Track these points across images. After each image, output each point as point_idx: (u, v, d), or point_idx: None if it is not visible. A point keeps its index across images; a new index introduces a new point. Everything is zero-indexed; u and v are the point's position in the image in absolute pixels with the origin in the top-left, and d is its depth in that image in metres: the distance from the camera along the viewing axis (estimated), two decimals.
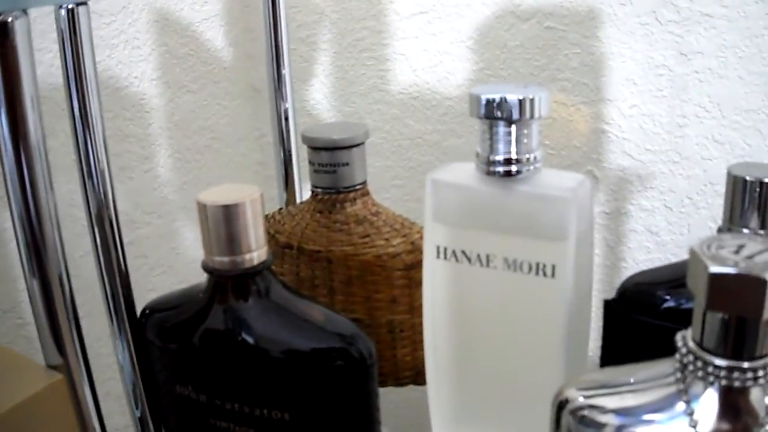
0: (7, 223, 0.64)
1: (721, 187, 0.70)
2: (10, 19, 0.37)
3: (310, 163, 0.57)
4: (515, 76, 0.74)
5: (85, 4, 0.45)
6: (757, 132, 0.68)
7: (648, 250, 0.74)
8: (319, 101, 0.83)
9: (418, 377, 0.59)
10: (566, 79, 0.72)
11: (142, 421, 0.54)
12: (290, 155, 0.67)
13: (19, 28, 0.37)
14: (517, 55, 0.73)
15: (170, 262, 0.80)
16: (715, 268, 0.33)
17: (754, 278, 0.32)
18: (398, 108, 0.80)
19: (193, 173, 0.81)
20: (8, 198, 0.40)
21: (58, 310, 0.41)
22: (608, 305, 0.53)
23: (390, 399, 0.55)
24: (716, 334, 0.36)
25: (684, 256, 0.73)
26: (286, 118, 0.67)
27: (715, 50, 0.67)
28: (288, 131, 0.67)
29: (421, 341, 0.56)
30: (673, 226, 0.73)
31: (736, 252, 0.35)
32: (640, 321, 0.51)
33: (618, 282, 0.74)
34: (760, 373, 0.35)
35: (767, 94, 0.67)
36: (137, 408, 0.53)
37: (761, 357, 0.35)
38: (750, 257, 0.34)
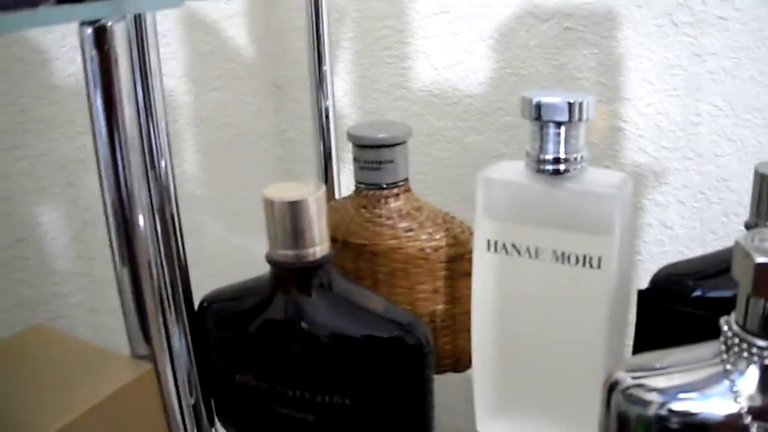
0: (43, 217, 0.66)
1: (734, 183, 0.73)
2: (109, 24, 0.39)
3: (355, 160, 0.59)
4: (535, 75, 0.77)
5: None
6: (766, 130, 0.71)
7: (662, 244, 0.77)
8: (340, 98, 0.85)
9: (457, 365, 0.62)
10: (584, 78, 0.75)
11: (195, 409, 0.56)
12: (330, 152, 0.69)
13: (118, 31, 0.39)
14: (536, 54, 0.76)
15: (195, 258, 0.82)
16: (761, 259, 0.37)
17: None
18: (419, 105, 0.82)
19: (217, 169, 0.83)
20: (101, 189, 0.42)
21: (146, 300, 0.44)
22: (642, 295, 0.55)
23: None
24: (759, 318, 0.39)
25: (696, 249, 0.76)
26: (327, 116, 0.69)
27: (728, 51, 0.70)
28: (329, 128, 0.69)
29: (461, 331, 0.59)
30: (686, 221, 0.76)
31: None
32: (672, 309, 0.53)
33: (634, 273, 0.77)
34: None
35: None
36: (191, 395, 0.55)
37: None
38: None
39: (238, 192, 0.86)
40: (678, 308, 0.53)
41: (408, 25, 0.80)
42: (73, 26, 0.39)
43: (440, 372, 0.62)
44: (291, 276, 0.49)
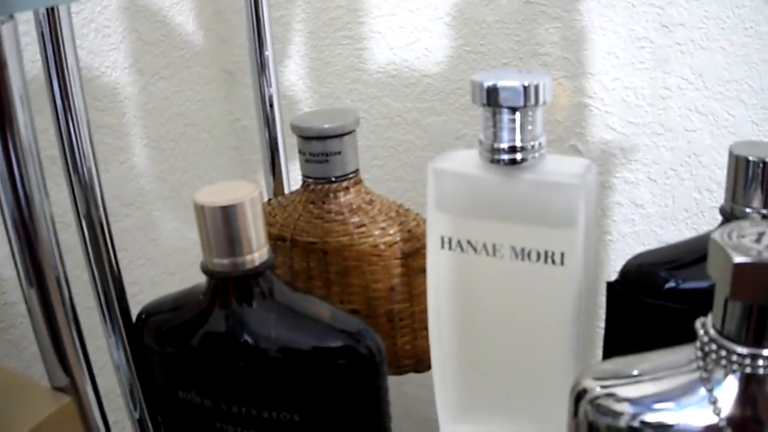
0: None
1: (706, 158, 0.69)
2: None
3: (301, 152, 0.55)
4: (495, 52, 0.72)
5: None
6: (740, 102, 0.67)
7: (633, 223, 0.73)
8: (295, 83, 0.80)
9: (418, 365, 0.58)
10: (547, 53, 0.71)
11: (141, 423, 0.52)
12: (276, 142, 0.65)
13: (5, 32, 0.35)
14: (496, 30, 0.72)
15: (150, 254, 0.77)
16: (739, 258, 0.33)
17: None
18: (376, 87, 0.78)
19: (169, 161, 0.78)
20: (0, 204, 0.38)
21: (60, 325, 0.39)
22: (611, 287, 0.52)
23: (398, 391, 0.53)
24: (737, 322, 0.35)
25: (669, 227, 0.72)
26: (271, 105, 0.64)
27: (696, 22, 0.66)
28: (273, 118, 0.64)
29: (421, 329, 0.55)
30: (657, 198, 0.72)
31: (757, 240, 0.34)
32: (644, 302, 0.50)
33: (604, 256, 0.73)
34: None
35: (749, 64, 0.66)
36: (136, 410, 0.51)
37: None
38: None
39: (192, 184, 0.82)
40: (650, 301, 0.49)
41: (362, 4, 0.75)
42: None
43: (401, 373, 0.57)
44: (229, 286, 0.45)
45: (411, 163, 0.78)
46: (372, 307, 0.55)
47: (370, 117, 0.78)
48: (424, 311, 0.53)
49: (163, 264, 0.78)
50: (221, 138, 0.84)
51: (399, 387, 0.54)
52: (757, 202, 0.47)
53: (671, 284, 0.49)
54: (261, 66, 0.63)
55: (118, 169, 0.73)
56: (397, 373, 0.57)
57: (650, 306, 0.49)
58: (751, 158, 0.46)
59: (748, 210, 0.47)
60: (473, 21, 0.72)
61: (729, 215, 0.48)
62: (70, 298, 0.41)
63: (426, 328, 0.53)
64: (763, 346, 0.34)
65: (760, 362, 0.35)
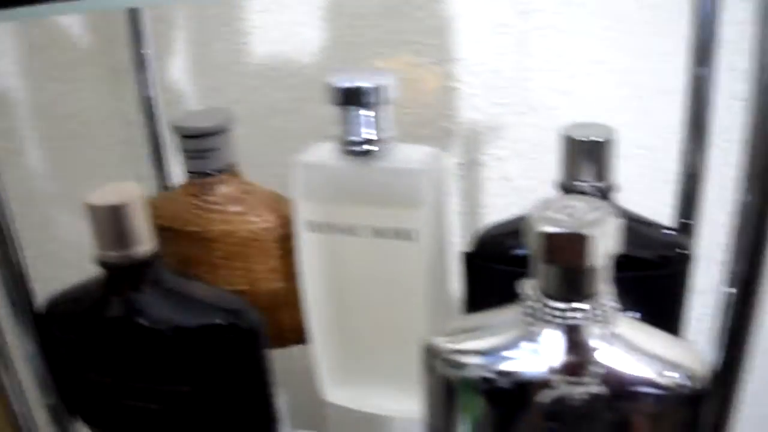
0: None
1: None
2: None
3: (183, 150, 0.64)
4: (368, 43, 0.82)
5: None
6: (599, 80, 0.78)
7: (504, 196, 0.84)
8: (179, 78, 0.89)
9: (300, 338, 0.68)
10: (416, 41, 0.80)
11: (55, 410, 0.60)
12: (159, 139, 0.74)
13: None
14: (368, 21, 0.81)
15: (49, 252, 0.85)
16: (546, 228, 0.43)
17: (579, 236, 0.42)
18: (257, 79, 0.86)
19: (64, 161, 0.86)
20: None
21: None
22: (466, 256, 0.62)
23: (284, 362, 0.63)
24: (552, 282, 0.45)
25: (536, 199, 0.83)
26: (153, 103, 0.73)
27: (554, 6, 0.76)
28: (156, 116, 0.73)
29: (300, 305, 0.65)
30: (525, 172, 0.82)
31: (564, 213, 0.44)
32: (494, 268, 0.60)
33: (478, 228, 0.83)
34: (593, 311, 0.45)
35: (606, 45, 0.76)
36: (49, 397, 0.60)
37: (592, 297, 0.45)
38: (576, 216, 0.44)
39: (88, 181, 0.90)
40: (500, 267, 0.58)
41: (241, 0, 0.84)
42: None
43: (284, 346, 0.67)
44: (122, 276, 0.54)
45: (294, 149, 0.87)
46: (255, 287, 0.64)
47: (252, 107, 0.87)
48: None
49: (63, 260, 0.86)
50: (112, 134, 0.92)
51: (284, 359, 0.64)
52: (587, 175, 0.58)
53: (516, 251, 0.58)
54: (142, 65, 0.72)
55: (13, 172, 0.81)
56: (281, 347, 0.67)
57: (499, 271, 0.58)
58: (580, 138, 0.57)
59: (581, 183, 0.58)
60: (346, 14, 0.81)
61: (566, 189, 0.59)
62: None
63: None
64: (575, 300, 0.44)
65: (574, 314, 0.45)
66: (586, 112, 0.77)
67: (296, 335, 0.67)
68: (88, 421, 0.61)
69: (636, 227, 0.59)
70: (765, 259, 0.41)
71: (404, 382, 0.59)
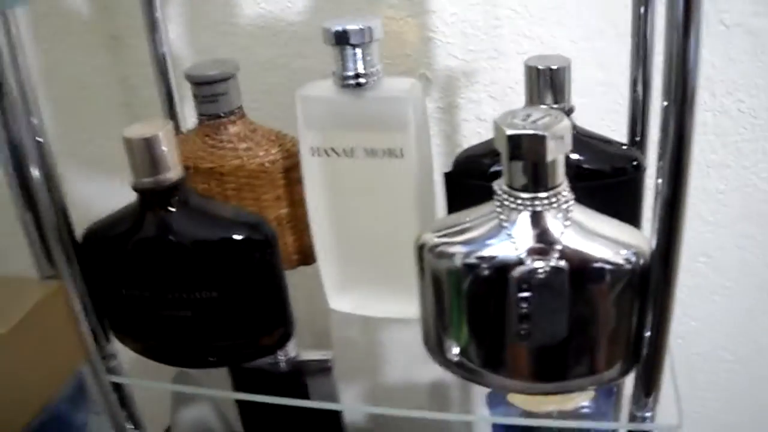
0: None
1: None
2: None
3: (195, 96, 0.76)
4: (350, 2, 0.93)
5: None
6: (561, 25, 0.89)
7: (480, 136, 0.95)
8: (173, 40, 0.99)
9: (306, 259, 0.80)
10: None
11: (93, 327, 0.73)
12: (172, 93, 0.87)
13: None
14: None
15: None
16: (510, 131, 0.55)
17: (537, 135, 0.54)
18: (247, 38, 0.96)
19: (68, 122, 0.97)
20: None
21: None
22: (448, 176, 0.73)
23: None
24: (518, 177, 0.57)
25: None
26: (165, 61, 0.85)
27: None
28: (168, 73, 0.86)
29: (304, 229, 0.78)
30: (497, 112, 0.91)
31: (525, 119, 0.56)
32: (473, 185, 0.70)
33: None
34: (553, 199, 0.56)
35: None
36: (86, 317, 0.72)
37: (552, 188, 0.56)
38: (534, 121, 0.55)
39: (91, 141, 1.02)
40: (479, 183, 0.67)
41: None
42: None
43: (291, 267, 0.80)
44: (154, 198, 0.66)
45: (284, 102, 0.97)
46: (264, 214, 0.76)
47: (244, 65, 0.98)
48: (305, 213, 0.76)
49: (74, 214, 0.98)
50: (112, 97, 1.04)
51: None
52: (549, 100, 0.69)
53: (493, 168, 0.69)
54: (153, 27, 0.85)
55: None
56: (289, 268, 0.80)
57: (478, 187, 0.67)
58: (540, 67, 0.69)
59: (543, 107, 0.69)
60: None
61: None
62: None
63: (308, 228, 0.77)
64: (538, 190, 0.56)
65: (539, 201, 0.56)
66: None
67: (301, 257, 0.80)
68: (128, 335, 0.74)
69: (596, 144, 0.71)
70: (687, 155, 0.52)
71: (399, 286, 0.71)
